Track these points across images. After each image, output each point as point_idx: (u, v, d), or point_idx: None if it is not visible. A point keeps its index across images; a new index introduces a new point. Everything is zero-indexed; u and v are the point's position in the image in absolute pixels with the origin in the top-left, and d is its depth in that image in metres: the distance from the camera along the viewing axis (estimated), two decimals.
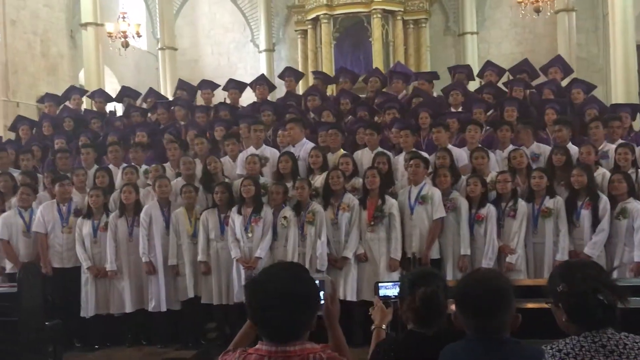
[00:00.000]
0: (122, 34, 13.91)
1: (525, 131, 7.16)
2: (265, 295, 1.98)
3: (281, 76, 10.16)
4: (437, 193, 6.42)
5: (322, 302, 2.22)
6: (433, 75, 9.71)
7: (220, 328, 6.90)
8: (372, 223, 6.43)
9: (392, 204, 6.47)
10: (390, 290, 3.61)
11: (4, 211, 7.24)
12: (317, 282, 2.24)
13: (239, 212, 6.58)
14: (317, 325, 2.09)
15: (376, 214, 6.42)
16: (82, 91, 10.90)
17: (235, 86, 9.66)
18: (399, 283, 3.54)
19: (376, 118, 8.34)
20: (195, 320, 6.91)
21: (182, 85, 10.42)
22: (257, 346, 2.03)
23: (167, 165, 7.69)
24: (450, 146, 7.11)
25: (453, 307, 2.33)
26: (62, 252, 7.05)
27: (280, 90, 11.17)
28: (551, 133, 7.40)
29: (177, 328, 6.99)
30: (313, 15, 15.05)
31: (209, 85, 9.92)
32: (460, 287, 2.33)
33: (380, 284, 3.64)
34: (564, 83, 9.07)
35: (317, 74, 10.68)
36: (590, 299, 2.15)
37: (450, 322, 2.37)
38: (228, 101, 9.53)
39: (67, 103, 10.18)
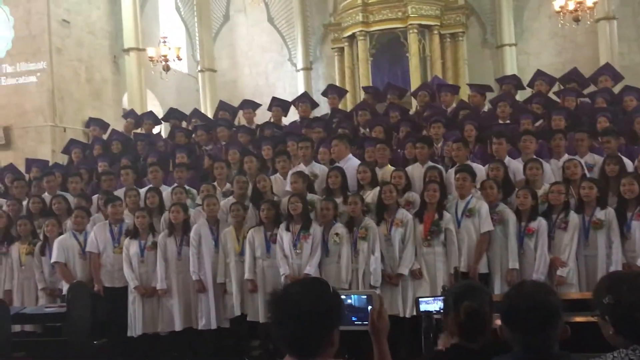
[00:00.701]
0: (163, 57, 14.24)
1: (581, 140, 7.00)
2: (282, 311, 2.02)
3: (324, 94, 10.24)
4: (484, 206, 6.34)
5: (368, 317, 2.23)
6: (485, 88, 9.60)
7: (264, 345, 6.93)
8: (429, 237, 6.38)
9: (448, 219, 6.40)
10: (430, 305, 3.60)
11: (60, 233, 7.44)
12: (364, 297, 2.31)
13: (287, 229, 6.61)
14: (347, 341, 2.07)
15: (432, 228, 6.36)
16: (135, 114, 11.14)
17: (279, 104, 9.76)
18: (440, 298, 3.54)
19: (424, 132, 8.28)
20: (240, 337, 6.95)
21: (223, 106, 10.59)
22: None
23: (215, 184, 7.76)
24: (508, 159, 7.01)
25: (499, 321, 2.31)
26: (113, 272, 7.18)
27: (322, 108, 11.27)
28: (600, 143, 7.26)
29: (223, 346, 7.03)
30: (349, 33, 15.13)
31: (250, 105, 10.05)
32: (506, 302, 2.30)
33: (421, 299, 3.64)
34: (616, 90, 8.90)
35: (368, 89, 10.68)
36: (638, 310, 2.11)
37: (496, 336, 2.35)
38: (272, 119, 9.62)
39: (118, 126, 10.44)
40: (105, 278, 7.17)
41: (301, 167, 7.46)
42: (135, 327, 6.96)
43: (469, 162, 6.98)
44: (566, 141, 7.11)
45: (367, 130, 8.64)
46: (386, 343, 2.31)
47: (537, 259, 6.16)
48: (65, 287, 7.17)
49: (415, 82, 13.77)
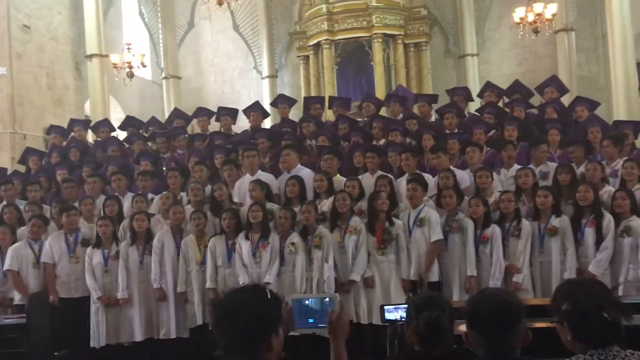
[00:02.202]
0: (127, 64, 14.08)
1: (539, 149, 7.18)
2: (219, 316, 2.12)
3: (274, 104, 10.25)
4: (434, 215, 6.44)
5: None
6: (433, 98, 9.77)
7: None
8: (382, 246, 6.44)
9: (399, 225, 6.49)
10: (392, 313, 3.66)
11: (14, 242, 7.28)
12: (327, 299, 2.39)
13: (247, 238, 6.61)
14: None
15: (384, 236, 6.43)
16: (84, 122, 10.97)
17: (227, 113, 9.74)
18: (401, 307, 3.60)
19: (375, 142, 8.38)
20: (202, 347, 6.89)
21: (177, 114, 10.53)
22: None
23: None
24: (452, 168, 7.14)
25: (463, 327, 2.36)
26: (69, 282, 7.06)
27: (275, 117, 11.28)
28: (555, 152, 7.43)
29: (186, 356, 6.96)
30: (314, 41, 15.21)
31: (205, 113, 10.02)
32: (471, 305, 2.36)
33: (385, 307, 3.69)
34: (566, 101, 9.12)
35: (311, 99, 10.67)
36: (595, 316, 2.17)
37: (461, 343, 2.39)
38: (222, 129, 9.59)
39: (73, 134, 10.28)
40: (61, 289, 7.04)
41: (247, 176, 7.45)
42: (99, 337, 6.85)
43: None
44: (516, 152, 7.28)
45: (314, 141, 8.67)
46: (343, 344, 2.38)
47: (493, 265, 6.27)
48: (17, 296, 7.03)
49: (380, 91, 13.91)
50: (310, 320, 2.41)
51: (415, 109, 9.82)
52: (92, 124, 11.01)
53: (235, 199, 7.34)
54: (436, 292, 5.50)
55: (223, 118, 9.62)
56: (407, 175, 7.07)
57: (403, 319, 3.47)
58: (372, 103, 9.53)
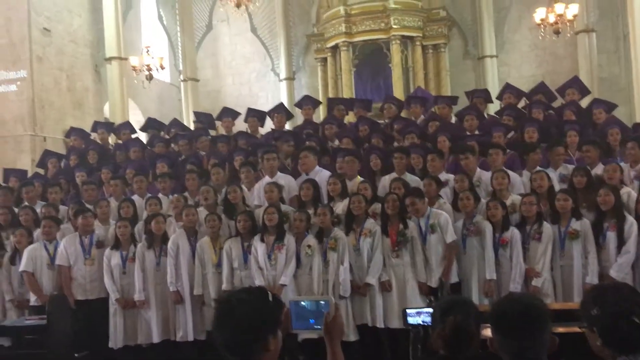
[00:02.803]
0: (146, 67, 14.16)
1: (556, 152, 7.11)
2: (219, 317, 2.18)
3: (299, 105, 10.23)
4: (443, 217, 6.39)
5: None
6: (453, 100, 9.71)
7: None
8: (396, 248, 6.40)
9: (413, 227, 6.44)
10: (414, 318, 3.63)
11: (31, 243, 7.33)
12: (322, 302, 2.45)
13: (262, 240, 6.60)
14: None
15: (399, 238, 6.39)
16: (107, 125, 11.05)
17: (255, 115, 9.74)
18: (423, 311, 3.57)
19: (395, 144, 8.34)
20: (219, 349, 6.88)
21: (198, 117, 10.55)
22: None
23: (186, 194, 7.71)
24: (480, 171, 7.09)
25: (488, 332, 2.32)
26: (85, 284, 7.10)
27: (299, 119, 11.26)
28: (573, 154, 7.34)
29: (203, 358, 6.96)
30: (332, 43, 15.21)
31: (230, 114, 10.02)
32: (496, 309, 2.33)
33: (408, 311, 3.65)
34: (584, 103, 9.01)
35: (334, 101, 10.66)
36: (625, 321, 2.12)
37: (486, 348, 2.35)
38: (248, 130, 9.60)
39: (95, 136, 10.36)
40: (77, 291, 7.08)
41: (267, 178, 7.45)
42: (117, 339, 6.89)
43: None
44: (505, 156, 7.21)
45: (336, 142, 8.64)
46: (339, 345, 2.43)
47: (513, 269, 6.19)
48: (32, 298, 7.07)
49: (397, 93, 13.86)
50: (311, 321, 2.45)
51: (435, 111, 9.76)
52: (115, 126, 11.04)
53: (255, 202, 7.32)
54: (462, 296, 5.45)
55: (251, 120, 9.62)
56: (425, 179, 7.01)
57: (425, 323, 3.44)
58: (393, 104, 9.49)
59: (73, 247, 7.11)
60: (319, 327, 2.40)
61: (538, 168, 6.96)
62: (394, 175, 7.24)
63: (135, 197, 7.85)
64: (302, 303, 2.50)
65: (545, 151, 7.37)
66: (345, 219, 6.65)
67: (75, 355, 6.39)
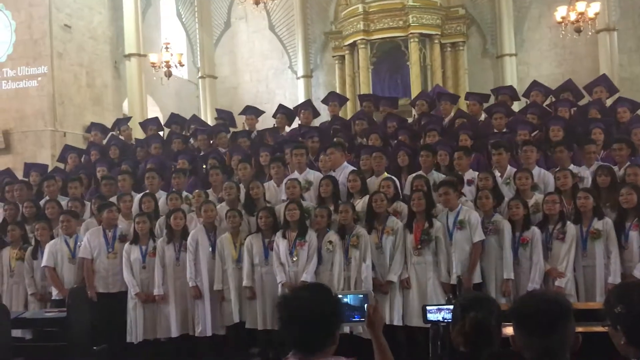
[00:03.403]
0: (165, 63, 14.24)
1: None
2: (290, 311, 2.28)
3: (325, 101, 10.22)
4: (474, 216, 6.35)
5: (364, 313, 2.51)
6: (484, 97, 9.61)
7: (264, 353, 6.90)
8: (419, 246, 6.38)
9: (438, 227, 6.40)
10: (434, 314, 3.61)
11: (52, 237, 7.42)
12: (361, 296, 2.56)
13: (284, 237, 6.61)
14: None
15: (423, 237, 6.36)
16: (126, 120, 11.11)
17: (284, 112, 9.76)
18: (443, 307, 3.55)
19: (422, 141, 8.30)
20: (239, 345, 6.92)
21: (220, 114, 10.59)
22: (288, 356, 2.30)
23: (209, 191, 7.77)
24: (510, 168, 7.03)
25: (509, 330, 2.30)
26: (107, 277, 7.17)
27: (322, 116, 11.27)
28: (599, 153, 7.25)
29: (222, 353, 7.00)
30: (350, 41, 15.18)
31: (253, 111, 10.05)
32: (519, 305, 2.32)
33: (428, 307, 3.64)
34: (609, 102, 8.92)
35: (365, 97, 10.67)
36: None
37: (508, 346, 2.34)
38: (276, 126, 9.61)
39: (114, 133, 10.43)
40: (99, 284, 7.15)
41: (295, 174, 7.45)
42: (136, 333, 6.93)
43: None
44: (570, 152, 7.12)
45: (364, 139, 8.63)
46: (382, 335, 2.55)
47: (532, 269, 6.14)
48: (54, 292, 7.14)
49: (415, 91, 13.80)
50: (355, 315, 2.54)
51: (465, 108, 9.70)
52: (141, 122, 11.06)
53: (283, 197, 7.30)
54: (483, 293, 5.42)
55: (280, 116, 9.64)
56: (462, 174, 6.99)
57: (446, 320, 3.43)
58: (425, 101, 9.45)
59: (97, 241, 7.19)
60: (363, 319, 2.50)
61: (572, 166, 6.89)
62: (420, 172, 7.20)
63: (159, 193, 7.88)
64: (345, 299, 2.58)
65: (576, 149, 7.29)
66: (366, 216, 6.63)
67: (94, 348, 6.45)
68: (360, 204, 6.82)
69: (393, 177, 7.14)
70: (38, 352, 6.39)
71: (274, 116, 9.78)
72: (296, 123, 9.95)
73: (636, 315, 2.13)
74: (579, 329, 3.72)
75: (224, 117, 10.40)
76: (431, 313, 3.50)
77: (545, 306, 2.23)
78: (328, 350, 2.27)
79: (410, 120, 10.28)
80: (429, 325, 3.79)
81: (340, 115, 10.17)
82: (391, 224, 6.50)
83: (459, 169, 7.06)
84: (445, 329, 3.40)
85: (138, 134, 11.12)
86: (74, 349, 6.18)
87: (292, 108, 10.05)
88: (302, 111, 9.55)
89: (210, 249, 6.93)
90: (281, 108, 9.88)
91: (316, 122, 10.50)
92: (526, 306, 2.27)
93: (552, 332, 2.18)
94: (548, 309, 2.22)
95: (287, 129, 9.80)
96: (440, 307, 3.52)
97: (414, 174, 7.14)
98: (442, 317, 3.47)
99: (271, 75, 18.02)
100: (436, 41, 14.93)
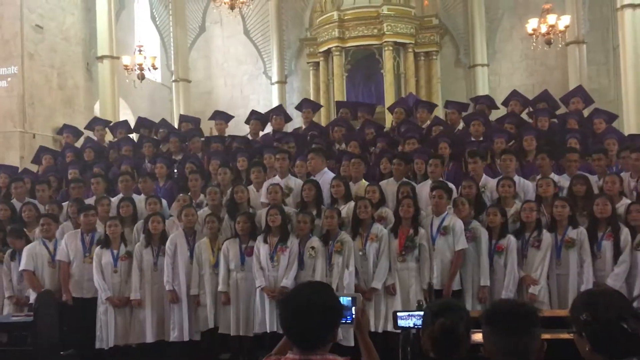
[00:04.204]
0: (138, 66, 14.12)
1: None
2: (294, 307, 2.31)
3: (299, 107, 10.23)
4: (458, 223, 6.39)
5: (353, 316, 2.60)
6: (463, 106, 9.71)
7: (235, 359, 6.87)
8: (403, 253, 6.41)
9: (423, 234, 6.45)
10: (405, 320, 3.64)
11: (29, 241, 7.30)
12: (349, 298, 2.63)
13: (265, 241, 6.59)
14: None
15: (407, 243, 6.40)
16: (105, 122, 10.97)
17: (258, 117, 9.75)
18: (414, 314, 3.58)
19: (400, 148, 8.35)
20: (210, 350, 6.88)
21: (185, 119, 10.54)
22: (287, 355, 2.36)
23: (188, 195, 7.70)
24: (485, 177, 7.12)
25: (478, 337, 2.34)
26: (82, 282, 7.06)
27: (295, 122, 11.28)
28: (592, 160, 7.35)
29: (193, 358, 6.94)
30: (325, 48, 15.24)
31: (222, 116, 10.02)
32: (490, 308, 2.40)
33: (398, 314, 3.67)
34: (585, 113, 9.10)
35: (342, 104, 10.70)
36: (615, 327, 2.15)
37: (474, 352, 2.38)
38: (249, 132, 9.58)
39: (91, 134, 10.30)
40: (73, 288, 7.04)
41: (277, 179, 7.45)
42: (107, 338, 6.83)
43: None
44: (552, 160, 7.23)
45: (343, 145, 8.65)
46: (368, 336, 2.66)
47: (506, 276, 6.23)
48: (32, 295, 7.03)
49: (389, 99, 13.92)
50: (343, 320, 2.57)
51: (442, 116, 9.79)
52: (111, 124, 10.97)
53: (262, 199, 7.28)
54: (453, 299, 5.47)
55: (253, 122, 9.61)
56: (429, 182, 7.03)
57: (416, 326, 3.46)
58: (403, 109, 9.51)
59: (74, 244, 7.08)
60: (350, 321, 2.57)
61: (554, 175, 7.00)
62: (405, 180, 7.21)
63: (136, 197, 7.79)
64: None
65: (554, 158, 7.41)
66: (351, 223, 6.64)
67: (62, 353, 6.35)
68: (345, 209, 6.83)
69: (377, 183, 7.16)
70: (5, 357, 6.26)
71: (247, 122, 9.76)
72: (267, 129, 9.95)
73: (602, 323, 2.17)
74: (547, 336, 3.80)
75: (190, 122, 10.31)
76: (402, 319, 3.53)
77: (513, 308, 2.31)
78: (327, 346, 2.33)
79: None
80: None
81: (313, 121, 10.15)
82: (375, 231, 6.50)
83: (432, 177, 7.12)
84: (416, 335, 3.43)
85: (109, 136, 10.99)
86: (41, 354, 6.08)
87: (264, 113, 10.03)
88: (274, 117, 9.55)
89: (189, 254, 6.88)
90: (254, 114, 9.87)
91: (289, 128, 10.52)
92: (497, 309, 2.35)
93: (520, 332, 2.23)
94: (516, 311, 2.29)
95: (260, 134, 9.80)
96: (411, 313, 3.55)
97: (401, 181, 7.13)
98: (413, 323, 3.50)
99: (245, 80, 18.00)
100: (410, 50, 15.07)
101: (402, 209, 6.44)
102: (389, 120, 10.42)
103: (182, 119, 10.57)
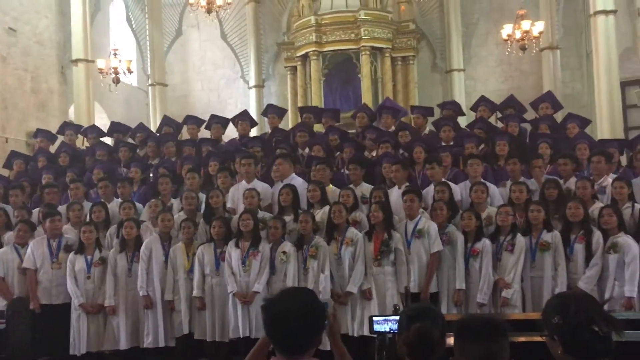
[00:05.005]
0: (113, 70, 13.98)
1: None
2: (279, 313, 2.30)
3: (264, 113, 10.22)
4: (433, 226, 6.44)
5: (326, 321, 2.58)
6: (429, 111, 9.78)
7: None
8: (379, 257, 6.42)
9: (398, 238, 6.46)
10: (381, 325, 3.64)
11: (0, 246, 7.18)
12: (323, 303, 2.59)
13: (237, 246, 6.56)
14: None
15: (382, 248, 6.41)
16: (76, 127, 10.85)
17: (219, 121, 9.70)
18: (390, 318, 3.59)
19: (366, 153, 8.39)
20: (186, 356, 6.82)
21: (167, 121, 10.47)
22: None
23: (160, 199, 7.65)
24: (446, 181, 7.16)
25: (451, 340, 2.36)
26: (50, 289, 6.96)
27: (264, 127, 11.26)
28: (546, 167, 7.46)
29: None
30: (302, 52, 15.24)
31: (194, 121, 9.98)
32: (461, 319, 2.42)
33: (374, 319, 3.68)
34: (558, 118, 9.20)
35: (305, 109, 10.71)
36: (586, 330, 2.18)
37: (450, 355, 2.39)
38: (212, 137, 9.55)
39: (63, 138, 10.17)
40: (42, 295, 6.94)
41: (243, 184, 7.42)
42: (79, 345, 6.74)
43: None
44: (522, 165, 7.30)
45: (307, 150, 8.66)
46: (341, 340, 2.69)
47: (481, 280, 6.27)
48: (1, 302, 6.92)
49: (367, 103, 13.92)
50: None
51: (410, 121, 9.83)
52: (82, 129, 10.84)
53: (229, 205, 7.27)
54: (429, 303, 5.49)
55: (215, 126, 9.58)
56: (399, 186, 7.06)
57: (393, 331, 3.46)
58: (366, 114, 9.54)
59: (40, 250, 6.98)
60: (323, 326, 2.54)
61: (523, 179, 7.07)
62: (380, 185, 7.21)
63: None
64: None
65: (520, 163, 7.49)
66: (326, 227, 6.64)
67: None
68: (320, 214, 6.84)
69: (352, 187, 7.18)
70: None
71: (207, 127, 9.72)
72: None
73: (573, 326, 2.20)
74: (521, 339, 3.83)
75: (171, 125, 10.24)
76: (378, 324, 3.53)
77: (485, 318, 2.38)
78: (311, 351, 2.34)
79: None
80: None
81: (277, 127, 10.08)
82: (350, 235, 6.51)
83: (397, 182, 7.16)
84: (392, 339, 3.44)
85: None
86: None
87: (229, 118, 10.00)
88: (240, 122, 9.53)
89: (164, 259, 6.82)
90: (214, 118, 9.83)
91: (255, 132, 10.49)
92: (468, 318, 2.40)
93: (492, 339, 2.26)
94: (488, 320, 2.34)
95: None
96: (387, 317, 3.55)
97: (374, 186, 7.15)
98: (389, 328, 3.50)
99: (223, 84, 17.93)
100: (387, 54, 15.14)
101: (371, 214, 6.47)
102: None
103: (165, 121, 10.48)
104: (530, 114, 9.44)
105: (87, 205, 7.67)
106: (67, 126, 10.48)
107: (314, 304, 2.37)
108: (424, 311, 2.71)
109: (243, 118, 9.70)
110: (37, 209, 7.85)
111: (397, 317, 3.25)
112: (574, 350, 2.20)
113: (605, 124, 11.80)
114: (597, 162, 7.00)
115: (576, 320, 2.20)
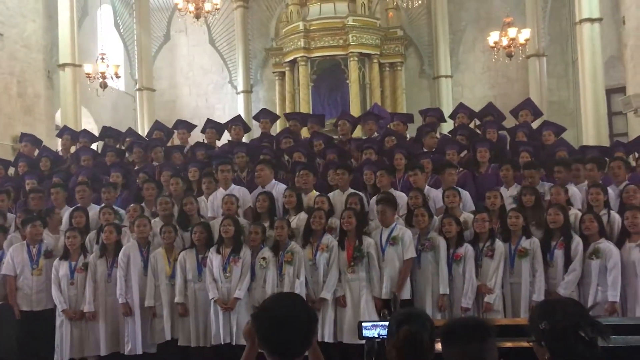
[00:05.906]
0: (100, 74, 13.92)
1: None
2: (273, 319, 2.33)
3: (256, 118, 10.22)
4: (407, 233, 6.47)
5: None
6: (409, 118, 9.86)
7: None
8: (352, 264, 6.43)
9: (369, 243, 6.48)
10: (370, 330, 3.64)
11: None
12: None
13: (218, 252, 6.55)
14: None
15: (355, 254, 6.42)
16: (74, 132, 10.70)
17: (213, 126, 9.70)
18: (379, 324, 3.59)
19: (352, 160, 8.41)
20: None
21: (158, 126, 10.43)
22: None
23: (143, 205, 7.61)
24: (428, 188, 7.20)
25: (439, 345, 2.37)
26: (31, 295, 6.92)
27: (257, 132, 11.23)
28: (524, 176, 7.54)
29: None
30: (291, 58, 15.28)
31: (184, 126, 9.94)
32: (446, 323, 2.45)
33: (363, 324, 3.68)
34: (535, 125, 9.28)
35: (291, 115, 10.72)
36: (572, 335, 2.20)
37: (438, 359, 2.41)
38: (206, 141, 9.54)
39: (50, 144, 10.08)
40: (22, 302, 6.89)
41: (220, 190, 7.41)
42: (63, 351, 6.70)
43: (391, 190, 7.14)
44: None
45: (290, 156, 8.66)
46: (316, 343, 2.69)
47: (465, 285, 6.30)
48: None
49: (355, 109, 14.01)
50: None
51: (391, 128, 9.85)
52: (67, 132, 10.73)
53: (209, 213, 7.27)
54: (417, 308, 5.50)
55: (209, 131, 9.55)
56: (377, 195, 7.07)
57: (381, 336, 3.47)
58: (347, 121, 9.57)
59: (20, 257, 6.93)
60: (315, 330, 2.55)
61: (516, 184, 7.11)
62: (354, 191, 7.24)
63: (91, 207, 7.66)
64: None
65: (497, 170, 7.55)
66: (303, 232, 6.65)
67: None
68: (296, 220, 6.84)
69: (326, 193, 7.19)
70: None
71: (203, 131, 9.70)
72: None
73: (560, 331, 2.22)
74: (508, 344, 3.85)
75: (162, 129, 10.20)
76: (367, 329, 3.53)
77: (471, 321, 2.41)
78: (303, 355, 2.38)
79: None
80: (364, 342, 3.82)
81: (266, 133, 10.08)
82: (326, 241, 6.53)
83: (381, 187, 7.18)
84: (380, 344, 3.44)
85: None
86: None
87: (224, 123, 9.98)
88: (233, 127, 9.52)
89: (143, 265, 6.78)
90: (210, 122, 9.81)
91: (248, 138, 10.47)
92: (454, 322, 2.43)
93: (479, 341, 2.28)
94: (474, 323, 2.36)
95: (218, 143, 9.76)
96: (375, 323, 3.56)
97: (349, 191, 7.17)
98: (378, 334, 3.51)
99: (211, 89, 17.93)
100: (375, 61, 15.21)
101: (343, 221, 6.48)
102: (357, 130, 10.41)
103: (156, 126, 10.43)
104: (510, 121, 9.51)
105: (65, 210, 7.60)
106: (66, 130, 10.37)
107: (305, 308, 2.43)
108: (413, 315, 2.72)
109: (236, 123, 9.69)
110: (14, 214, 7.74)
111: (386, 323, 3.26)
112: (560, 355, 2.22)
113: (591, 131, 11.92)
114: (590, 169, 7.04)
115: (563, 326, 2.22)
